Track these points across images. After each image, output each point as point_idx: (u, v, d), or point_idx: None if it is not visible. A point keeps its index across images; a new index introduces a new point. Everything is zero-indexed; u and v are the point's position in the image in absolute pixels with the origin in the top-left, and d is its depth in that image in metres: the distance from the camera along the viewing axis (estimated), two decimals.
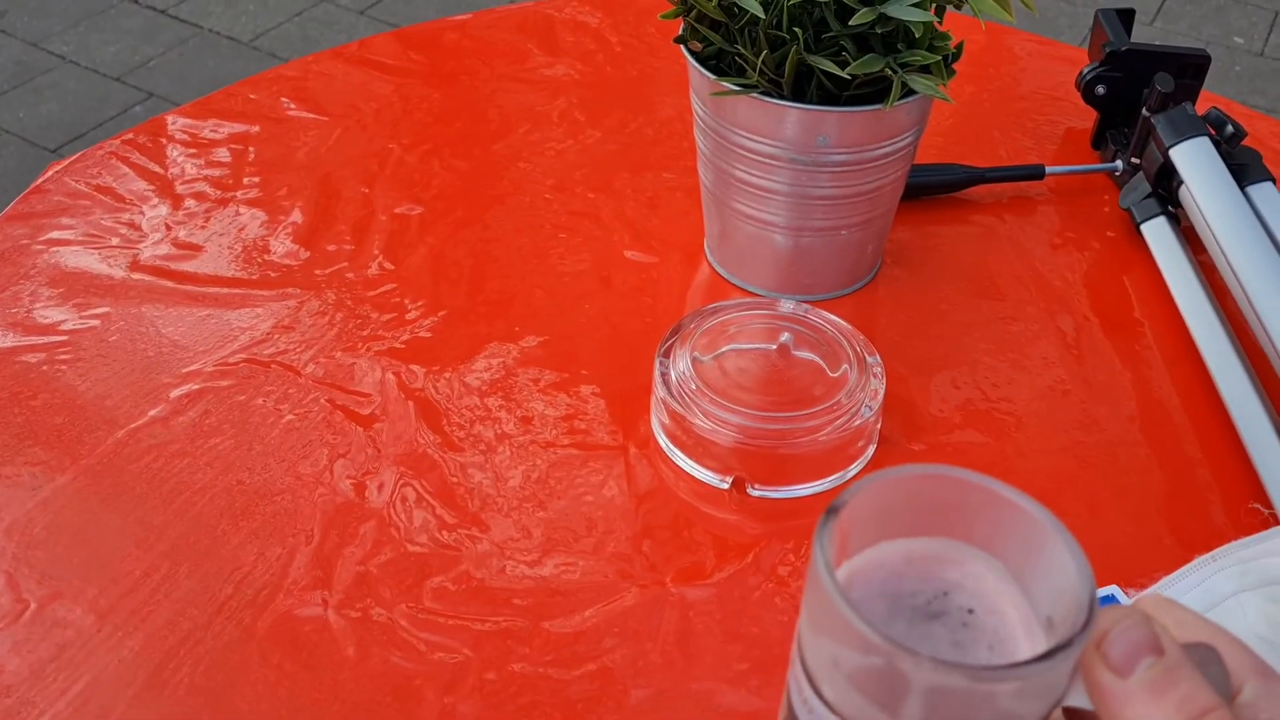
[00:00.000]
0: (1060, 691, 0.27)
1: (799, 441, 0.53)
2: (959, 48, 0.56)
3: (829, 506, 0.28)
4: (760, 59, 0.54)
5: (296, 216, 0.70)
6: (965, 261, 0.68)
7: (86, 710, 0.45)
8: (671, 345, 0.56)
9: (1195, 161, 0.64)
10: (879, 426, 0.56)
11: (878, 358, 0.56)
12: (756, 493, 0.54)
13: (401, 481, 0.54)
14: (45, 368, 0.59)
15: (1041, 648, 0.28)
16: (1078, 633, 0.26)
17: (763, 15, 0.51)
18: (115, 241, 0.67)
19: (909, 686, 0.26)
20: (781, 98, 0.56)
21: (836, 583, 0.26)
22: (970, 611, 0.30)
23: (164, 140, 0.75)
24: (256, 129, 0.77)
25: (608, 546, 0.52)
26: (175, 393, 0.58)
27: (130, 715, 0.45)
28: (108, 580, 0.49)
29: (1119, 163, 0.72)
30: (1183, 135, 0.65)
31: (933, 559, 0.31)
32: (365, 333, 0.62)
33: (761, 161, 0.59)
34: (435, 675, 0.46)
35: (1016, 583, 0.30)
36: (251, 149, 0.75)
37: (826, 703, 0.28)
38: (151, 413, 0.57)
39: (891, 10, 0.51)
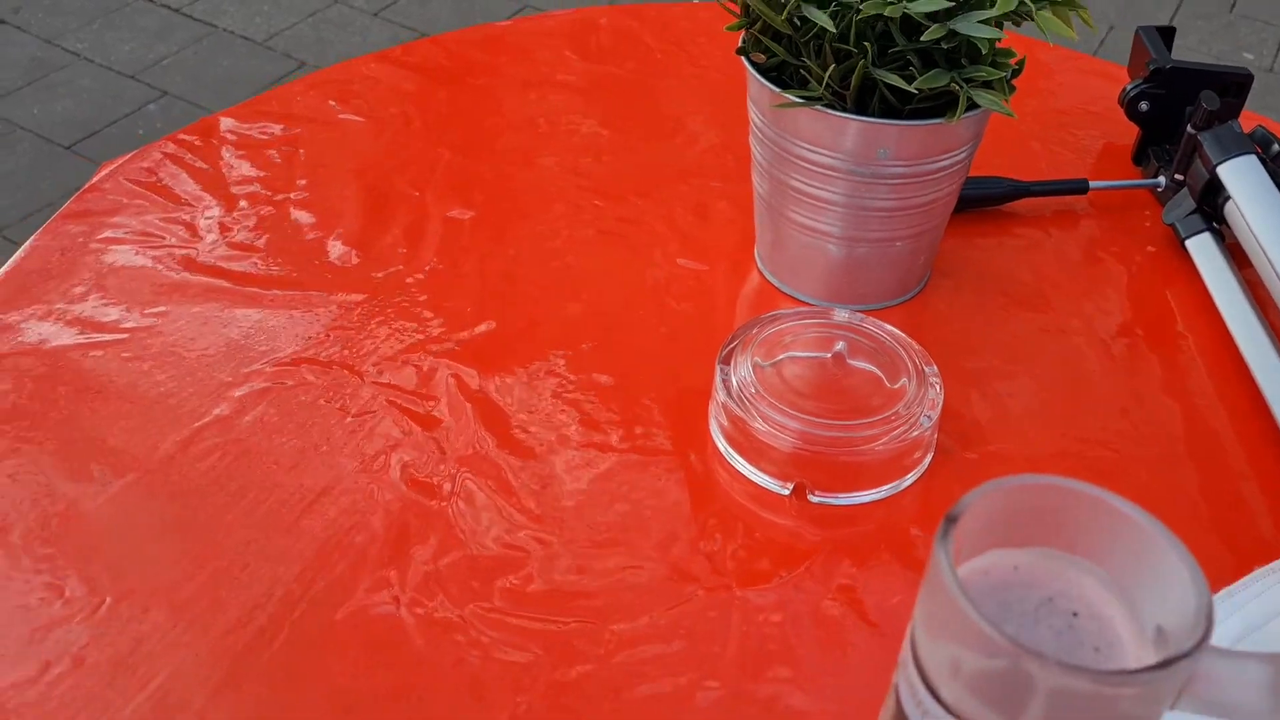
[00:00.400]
0: (1172, 698, 0.28)
1: (858, 450, 0.54)
2: (1021, 63, 0.57)
3: (947, 515, 0.29)
4: (828, 73, 0.54)
5: (349, 219, 0.70)
6: (1011, 273, 0.69)
7: (167, 703, 0.45)
8: (732, 351, 0.57)
9: (1244, 178, 0.65)
10: (935, 437, 0.57)
11: (935, 368, 0.57)
12: (817, 499, 0.55)
13: (465, 482, 0.55)
14: (108, 365, 0.60)
15: (1148, 652, 0.29)
16: (1198, 643, 0.27)
17: (833, 29, 0.52)
18: (171, 241, 0.68)
19: (1033, 689, 0.27)
20: (844, 110, 0.57)
21: (962, 586, 0.27)
22: (1074, 615, 0.31)
23: (215, 141, 0.76)
24: (305, 131, 0.77)
25: (671, 550, 0.52)
26: (237, 392, 0.59)
27: (210, 708, 0.45)
28: (181, 576, 0.50)
29: (1162, 179, 0.73)
30: (1230, 153, 0.66)
31: (1038, 567, 0.32)
32: (423, 335, 0.63)
33: (820, 172, 0.60)
34: (506, 674, 0.47)
35: (1121, 591, 0.31)
36: (302, 151, 0.76)
37: (945, 705, 0.29)
38: (215, 412, 0.57)
39: (960, 26, 0.51)
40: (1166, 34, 0.77)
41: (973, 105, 0.56)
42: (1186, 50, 2.44)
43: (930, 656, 0.29)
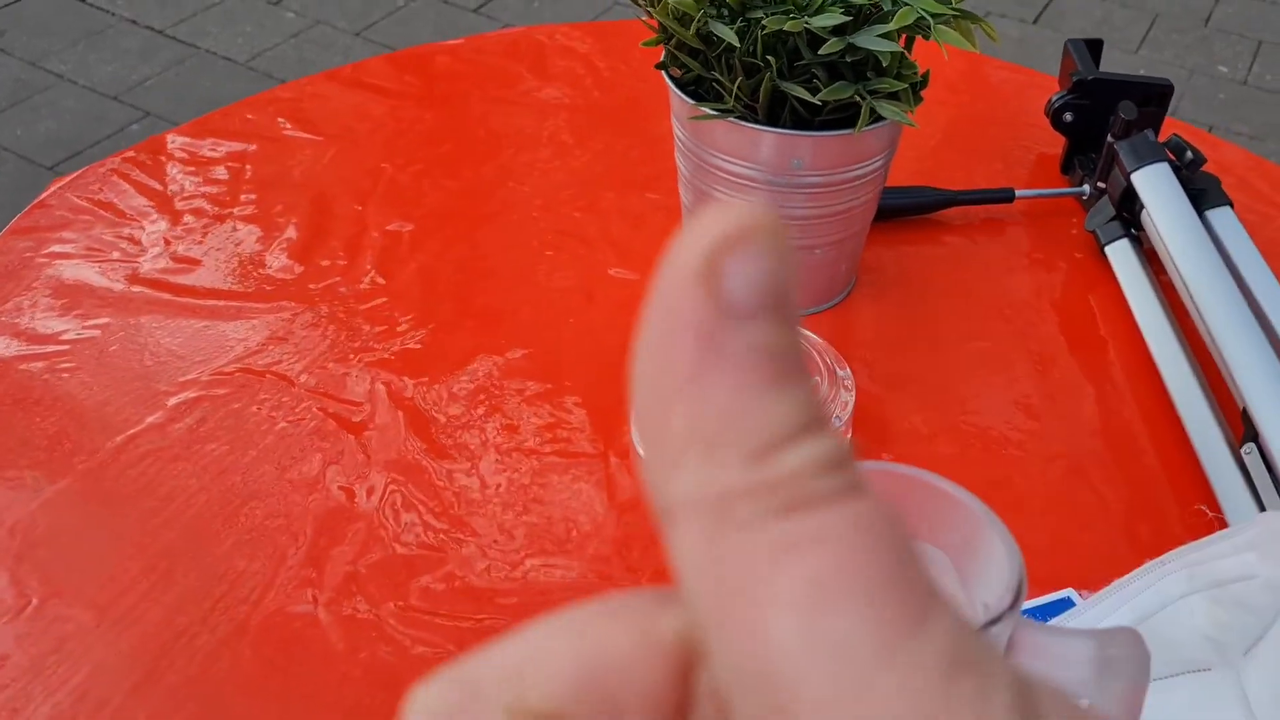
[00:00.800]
0: None
1: None
2: (925, 75, 0.59)
3: None
4: (736, 85, 0.56)
5: (291, 232, 0.72)
6: (937, 281, 0.71)
7: (86, 700, 0.47)
8: None
9: (1155, 186, 0.66)
10: (849, 438, 0.59)
11: (848, 371, 0.59)
12: None
13: (390, 486, 0.56)
14: (47, 376, 0.61)
15: None
16: (1004, 611, 0.28)
17: (738, 44, 0.54)
18: (115, 255, 0.70)
19: None
20: (757, 122, 0.58)
21: None
22: None
23: (164, 158, 0.78)
24: (253, 148, 0.79)
25: (588, 549, 0.54)
26: (172, 400, 0.60)
27: (128, 706, 0.47)
28: (105, 579, 0.51)
29: (1086, 187, 0.75)
30: (1143, 161, 0.67)
31: None
32: (357, 344, 0.64)
33: (738, 183, 0.61)
34: (422, 671, 0.48)
35: (958, 573, 0.32)
36: (248, 167, 0.77)
37: None
38: (149, 419, 0.59)
39: (860, 40, 0.53)
40: (1094, 46, 0.78)
41: (878, 116, 0.57)
42: (1161, 64, 2.46)
43: None
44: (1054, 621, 0.51)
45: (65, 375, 0.61)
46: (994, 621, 0.28)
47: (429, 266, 0.70)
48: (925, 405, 0.62)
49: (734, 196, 0.62)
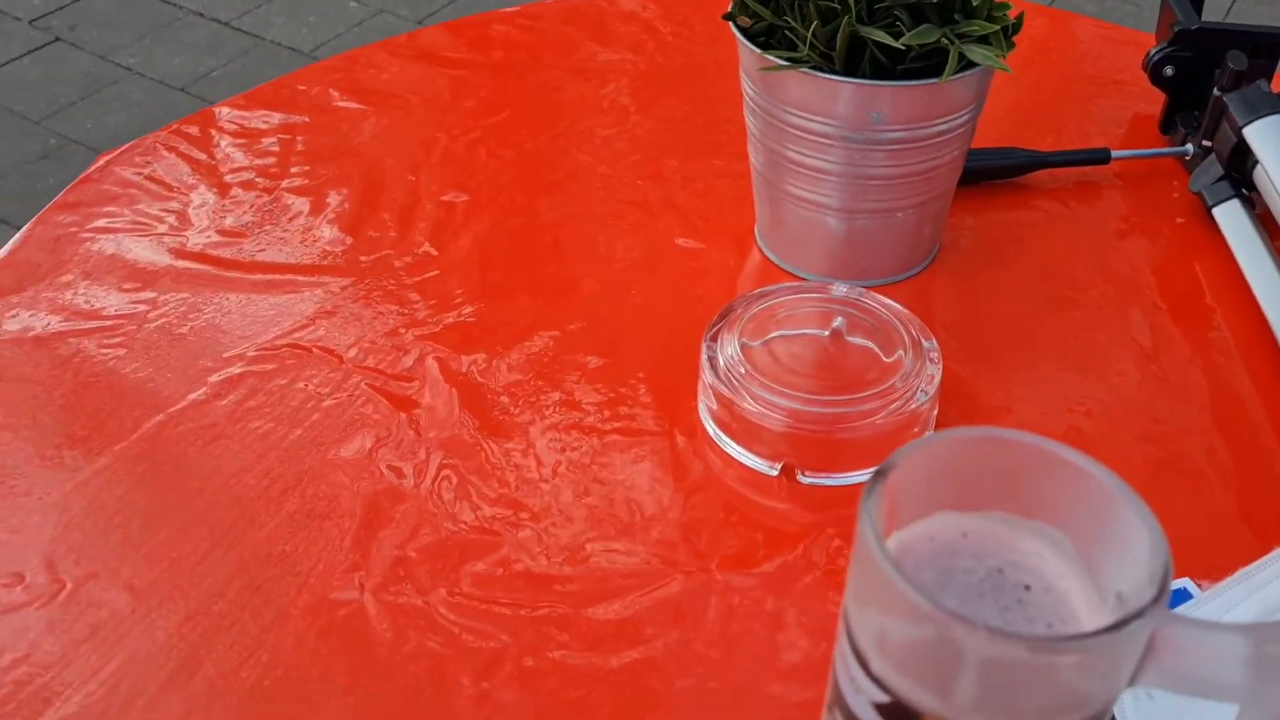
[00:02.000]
0: (1129, 671, 0.25)
1: (851, 427, 0.51)
2: (1019, 18, 0.54)
3: (877, 469, 0.26)
4: (810, 32, 0.52)
5: (342, 204, 0.69)
6: (1027, 248, 0.66)
7: (118, 692, 0.44)
8: (719, 330, 0.55)
9: (1270, 140, 0.61)
10: (935, 413, 0.54)
11: (934, 342, 0.54)
12: (807, 480, 0.52)
13: (442, 466, 0.53)
14: (90, 352, 0.59)
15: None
16: (1147, 605, 0.24)
17: None
18: (162, 229, 0.67)
19: (962, 659, 0.24)
20: (833, 72, 0.54)
21: (884, 547, 0.25)
22: (1027, 588, 0.28)
23: (213, 131, 0.75)
24: (305, 119, 0.76)
25: (652, 533, 0.50)
26: (215, 377, 0.57)
27: (161, 699, 0.44)
28: (144, 561, 0.49)
29: (1189, 146, 0.69)
30: (1257, 113, 0.62)
31: (989, 534, 0.29)
32: (408, 318, 0.61)
33: (814, 140, 0.57)
34: (472, 661, 0.45)
35: (1081, 558, 0.28)
36: (299, 139, 0.75)
37: (875, 679, 0.26)
38: (191, 396, 0.56)
39: None
40: None
41: (968, 63, 0.53)
42: (1261, 18, 2.35)
43: (859, 627, 0.26)
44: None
45: (107, 351, 0.59)
46: (1134, 617, 0.23)
47: (484, 237, 0.67)
48: (1014, 380, 0.57)
49: (808, 156, 0.58)
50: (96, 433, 0.54)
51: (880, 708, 0.26)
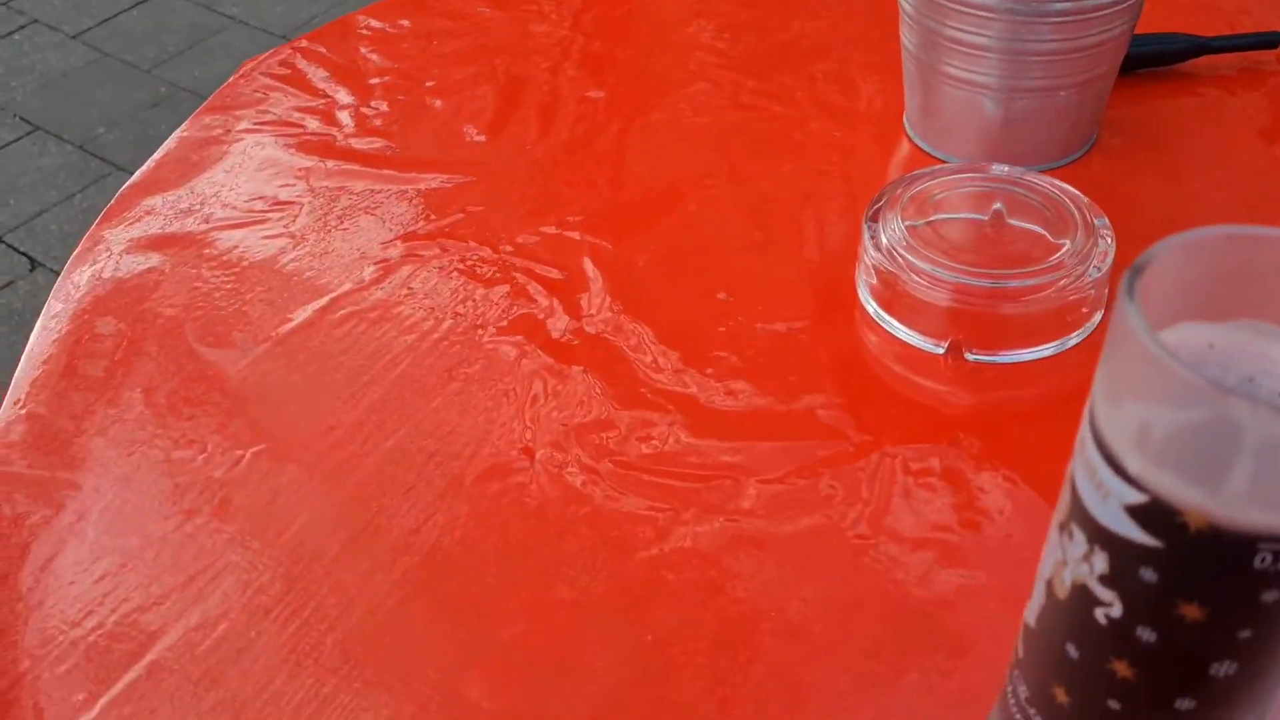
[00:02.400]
0: None
1: (1021, 302, 0.50)
2: None
3: (1133, 265, 0.25)
4: None
5: (483, 103, 0.69)
6: (1190, 135, 0.63)
7: (303, 550, 0.45)
8: (880, 209, 0.54)
9: None
10: (1106, 294, 0.52)
11: (1106, 220, 0.52)
12: (974, 357, 0.51)
13: (603, 344, 0.53)
14: (247, 246, 0.60)
15: None
16: None
17: None
18: (308, 131, 0.68)
19: (1240, 443, 0.23)
20: None
21: (1151, 331, 0.24)
22: None
23: (352, 39, 0.76)
24: (443, 23, 0.76)
25: (816, 411, 0.49)
26: (370, 268, 0.58)
27: (345, 557, 0.45)
28: (316, 434, 0.50)
29: None
30: None
31: (1239, 344, 0.27)
32: (556, 208, 0.61)
33: (974, 15, 0.55)
34: (645, 527, 0.45)
35: None
36: (436, 42, 0.75)
37: (1130, 480, 0.25)
38: (348, 285, 0.57)
39: None
40: None
41: None
42: None
43: (1113, 426, 0.25)
44: None
45: (266, 243, 0.60)
46: None
47: (627, 132, 0.66)
48: None
49: (967, 31, 0.56)
50: (263, 317, 0.55)
51: (1134, 510, 0.25)
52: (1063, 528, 0.28)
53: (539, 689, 0.40)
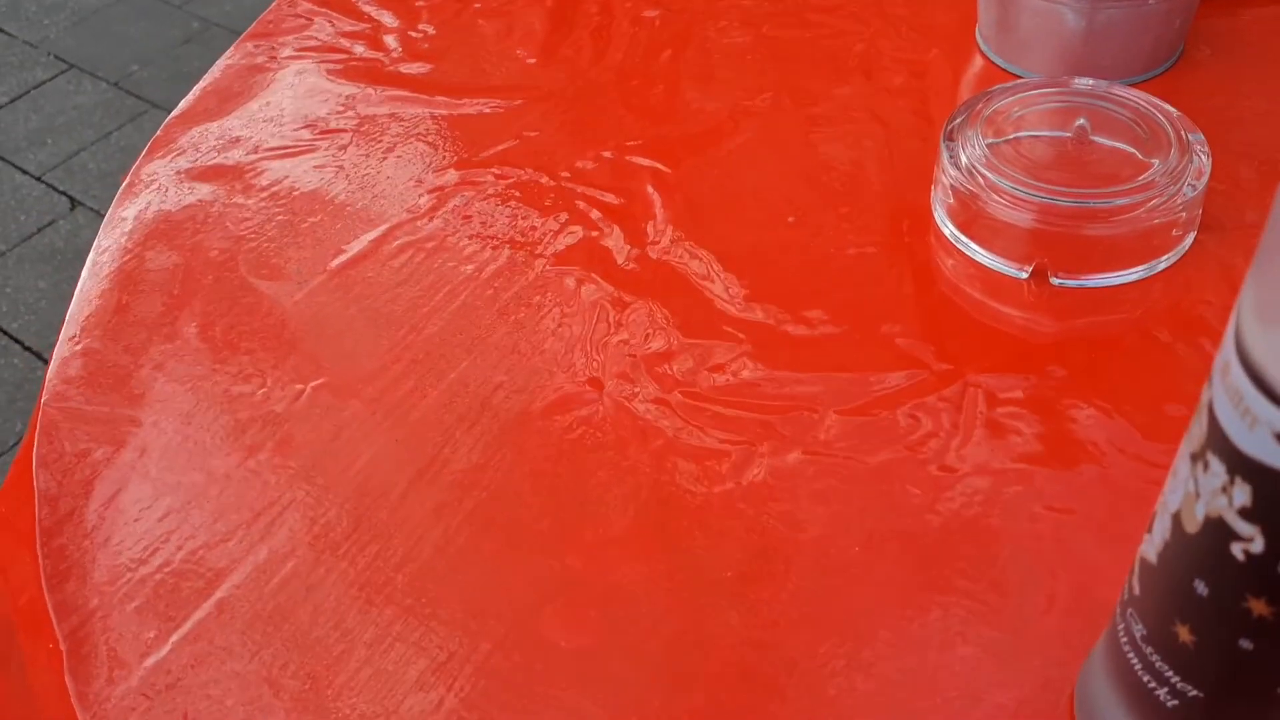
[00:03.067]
0: None
1: (1110, 222, 0.47)
2: None
3: None
4: None
5: (535, 24, 0.66)
6: None
7: (371, 485, 0.44)
8: (957, 127, 0.51)
9: None
10: (1200, 214, 0.50)
11: (1201, 135, 0.50)
12: (1059, 282, 0.49)
13: (667, 272, 0.51)
14: (297, 176, 0.58)
15: None
16: None
17: None
18: (354, 55, 0.66)
19: None
20: None
21: None
22: None
23: None
24: None
25: (894, 340, 0.47)
26: (424, 196, 0.56)
27: (413, 492, 0.43)
28: (377, 367, 0.48)
29: None
30: None
31: None
32: (614, 131, 0.59)
33: None
34: (720, 461, 0.43)
35: None
36: None
37: None
38: (404, 212, 0.55)
39: None
40: None
41: None
42: None
43: (1264, 347, 0.23)
44: None
45: (314, 173, 0.58)
46: None
47: (683, 50, 0.63)
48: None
49: None
50: (317, 248, 0.54)
51: None
52: (1195, 458, 0.26)
53: (614, 626, 0.39)
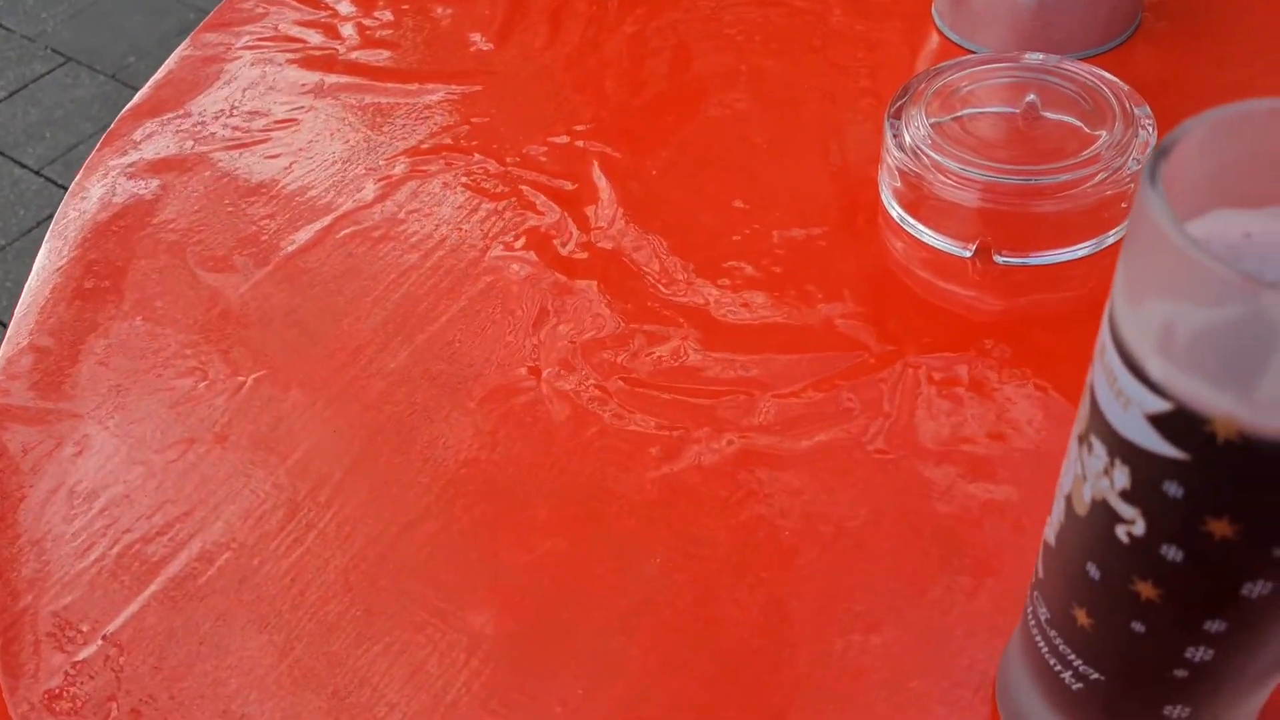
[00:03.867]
0: None
1: (1054, 199, 0.47)
2: None
3: (1157, 148, 0.23)
4: None
5: (491, 10, 0.66)
6: (1245, 15, 0.59)
7: (308, 474, 0.44)
8: (902, 105, 0.50)
9: None
10: None
11: (1147, 108, 0.49)
12: (1003, 260, 0.48)
13: (608, 258, 0.51)
14: (249, 166, 0.58)
15: None
16: None
17: None
18: (310, 44, 0.66)
19: (1277, 343, 0.20)
20: None
21: (1176, 220, 0.21)
22: None
23: None
24: None
25: (835, 321, 0.47)
26: (373, 182, 0.56)
27: (349, 481, 0.43)
28: (320, 357, 0.48)
29: None
30: None
31: (1278, 235, 0.25)
32: (564, 116, 0.58)
33: None
34: (655, 446, 0.43)
35: None
36: None
37: (1153, 386, 0.23)
38: (353, 201, 0.55)
39: None
40: None
41: None
42: None
43: (1134, 328, 0.23)
44: None
45: (267, 163, 0.58)
46: None
47: (639, 32, 0.63)
48: None
49: None
50: (265, 239, 0.54)
51: (1157, 419, 0.23)
52: (1082, 439, 0.26)
53: (545, 615, 0.39)
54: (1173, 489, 0.23)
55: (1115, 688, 0.28)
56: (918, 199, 0.49)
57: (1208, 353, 0.22)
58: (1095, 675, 0.29)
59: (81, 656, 0.39)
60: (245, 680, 0.38)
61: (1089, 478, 0.26)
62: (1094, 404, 0.25)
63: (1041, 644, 0.30)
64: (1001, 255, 0.48)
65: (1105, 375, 0.24)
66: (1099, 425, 0.25)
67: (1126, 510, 0.25)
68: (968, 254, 0.49)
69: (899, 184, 0.50)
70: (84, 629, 0.40)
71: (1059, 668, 0.30)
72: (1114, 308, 0.24)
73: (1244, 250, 0.25)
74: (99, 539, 0.43)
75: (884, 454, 0.42)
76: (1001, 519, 0.40)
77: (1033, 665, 0.31)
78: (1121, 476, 0.24)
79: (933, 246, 0.49)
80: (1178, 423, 0.22)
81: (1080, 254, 0.48)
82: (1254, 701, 0.29)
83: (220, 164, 0.58)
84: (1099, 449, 0.25)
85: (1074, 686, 0.30)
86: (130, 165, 0.59)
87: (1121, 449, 0.24)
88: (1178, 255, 0.21)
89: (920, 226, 0.50)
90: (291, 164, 0.58)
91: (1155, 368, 0.23)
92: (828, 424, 0.43)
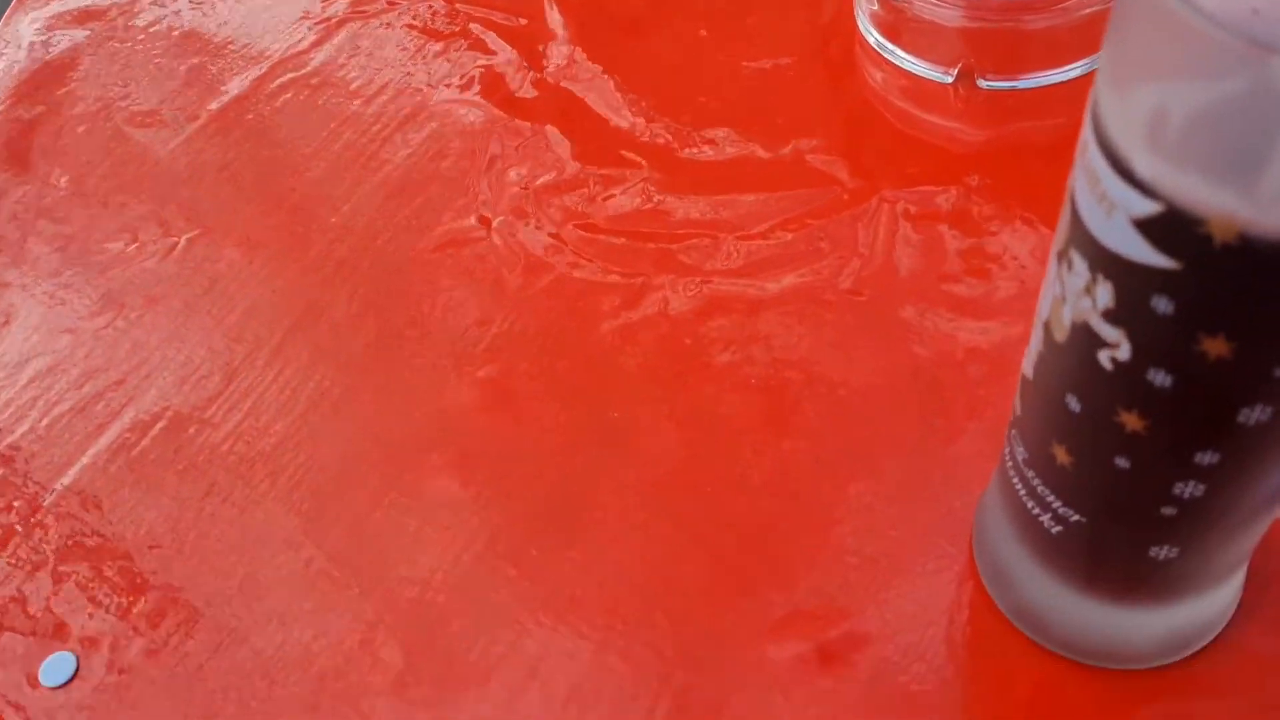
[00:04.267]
0: None
1: (1045, 14, 0.43)
2: None
3: None
4: None
5: None
6: None
7: (242, 339, 0.41)
8: None
9: None
10: None
11: None
12: (988, 84, 0.45)
13: (562, 96, 0.47)
14: (176, 14, 0.54)
15: None
16: None
17: None
18: None
19: None
20: None
21: None
22: None
23: None
24: None
25: (805, 156, 0.44)
26: (311, 26, 0.52)
27: (287, 344, 0.41)
28: (257, 214, 0.45)
29: None
30: None
31: None
32: None
33: None
34: (612, 295, 0.40)
35: None
36: None
37: (1141, 186, 0.20)
38: (286, 47, 0.51)
39: None
40: None
41: None
42: None
43: (1119, 119, 0.20)
44: None
45: (193, 11, 0.54)
46: None
47: None
48: None
49: None
50: (195, 91, 0.50)
51: (1145, 224, 0.20)
52: (1061, 256, 0.23)
53: (498, 473, 0.36)
54: (1162, 305, 0.20)
55: (1097, 529, 0.26)
56: (897, 22, 0.45)
57: (1205, 141, 0.19)
58: (1075, 517, 0.26)
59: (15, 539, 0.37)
60: (177, 552, 0.36)
61: (1068, 298, 0.23)
62: (1074, 213, 0.22)
63: (1019, 486, 0.28)
64: (986, 79, 0.44)
65: (1086, 178, 0.21)
66: (1080, 237, 0.22)
67: (1110, 333, 0.22)
68: (949, 79, 0.45)
69: (876, 6, 0.46)
70: (16, 505, 0.38)
71: (1037, 510, 0.27)
72: (1097, 98, 0.21)
73: (1251, 25, 0.21)
74: (28, 411, 0.40)
75: (858, 295, 0.39)
76: (984, 362, 0.37)
77: (1009, 509, 0.29)
78: (1105, 294, 0.22)
79: (912, 74, 0.45)
80: (1168, 226, 0.20)
81: (1072, 74, 0.44)
82: (1245, 542, 0.27)
83: (146, 12, 0.54)
84: (1079, 265, 0.22)
85: (1053, 530, 0.27)
86: (51, 17, 0.55)
87: (1105, 262, 0.21)
88: (1174, 21, 0.18)
89: (899, 51, 0.46)
90: (221, 10, 0.53)
91: (1143, 164, 0.20)
92: (798, 265, 0.40)
